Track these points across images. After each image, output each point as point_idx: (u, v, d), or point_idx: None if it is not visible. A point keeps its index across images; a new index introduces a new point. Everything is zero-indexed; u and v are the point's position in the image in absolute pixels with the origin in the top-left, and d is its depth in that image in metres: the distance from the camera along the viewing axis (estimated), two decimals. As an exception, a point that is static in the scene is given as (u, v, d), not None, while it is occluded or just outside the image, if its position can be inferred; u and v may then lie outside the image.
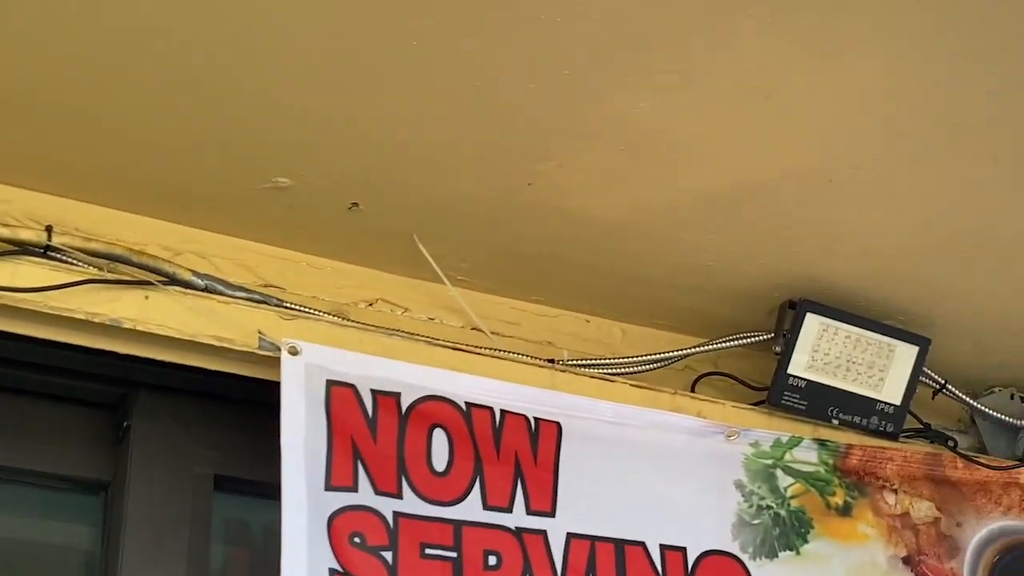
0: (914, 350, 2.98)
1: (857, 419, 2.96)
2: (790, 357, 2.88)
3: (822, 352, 2.91)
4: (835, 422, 2.93)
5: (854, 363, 2.95)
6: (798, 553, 2.73)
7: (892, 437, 2.97)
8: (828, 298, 2.88)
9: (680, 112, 2.33)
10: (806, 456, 2.83)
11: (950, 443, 3.00)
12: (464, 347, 2.63)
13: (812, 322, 2.88)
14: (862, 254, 2.77)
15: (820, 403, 2.92)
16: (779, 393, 2.88)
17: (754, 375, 2.97)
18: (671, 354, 2.85)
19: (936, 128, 2.41)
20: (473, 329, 2.76)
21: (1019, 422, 3.10)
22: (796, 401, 2.90)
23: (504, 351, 2.67)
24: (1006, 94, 2.31)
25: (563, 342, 2.87)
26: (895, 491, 2.89)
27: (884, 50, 2.22)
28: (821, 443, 2.85)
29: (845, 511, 2.82)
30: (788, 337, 2.87)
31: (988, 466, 2.95)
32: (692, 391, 2.88)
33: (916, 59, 2.24)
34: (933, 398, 3.11)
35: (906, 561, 2.84)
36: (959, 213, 2.62)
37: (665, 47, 2.19)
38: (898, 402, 3.00)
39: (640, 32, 2.16)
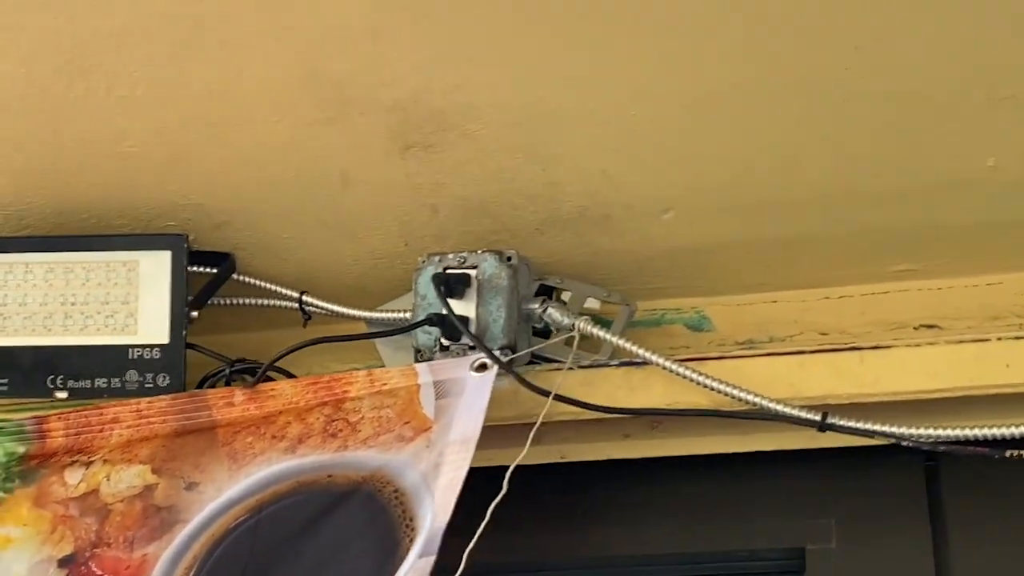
0: (165, 257, 1.97)
1: (103, 383, 1.93)
2: (-44, 323, 2.00)
3: (14, 304, 1.97)
4: (63, 395, 1.93)
5: (77, 304, 1.97)
6: None
7: (176, 391, 1.91)
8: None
9: None
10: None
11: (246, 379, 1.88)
12: None
13: (-21, 264, 2.00)
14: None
15: (36, 374, 1.95)
16: (-47, 379, 1.99)
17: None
18: None
19: None
20: None
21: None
22: (-14, 382, 1.99)
23: None
24: None
25: None
26: (87, 464, 1.83)
27: None
28: (-7, 428, 1.90)
29: (-12, 513, 1.83)
30: (-54, 297, 2.00)
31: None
32: None
33: None
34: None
35: (65, 562, 1.75)
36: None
37: None
38: (166, 340, 1.95)
39: None
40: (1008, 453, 1.56)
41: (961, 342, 1.71)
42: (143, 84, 1.82)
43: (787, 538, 1.73)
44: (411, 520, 1.68)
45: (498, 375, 1.77)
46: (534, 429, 1.68)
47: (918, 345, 1.73)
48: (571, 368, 1.79)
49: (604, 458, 1.83)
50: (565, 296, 1.94)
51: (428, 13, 1.71)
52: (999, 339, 1.70)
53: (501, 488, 1.69)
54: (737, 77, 1.73)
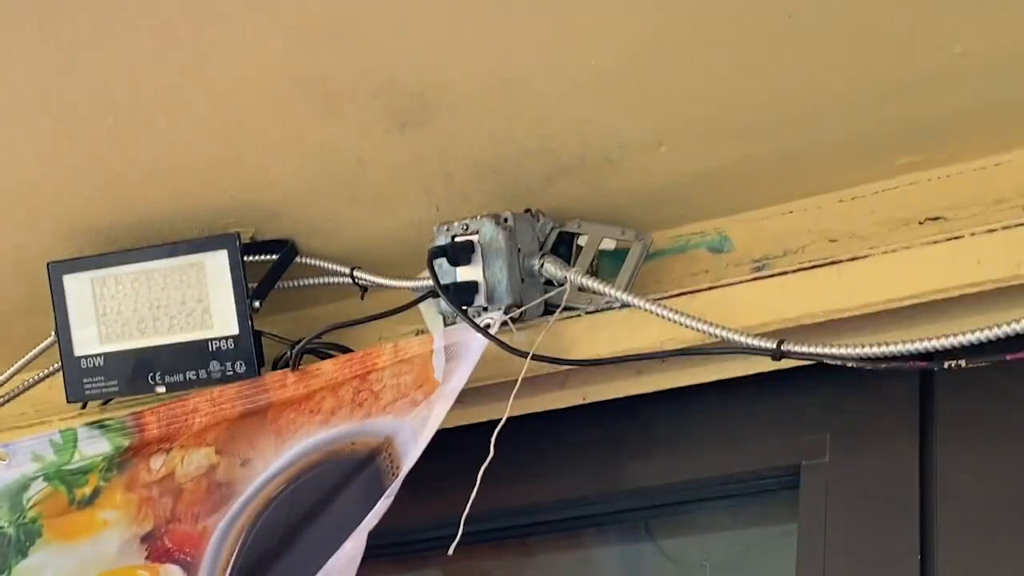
0: (223, 256, 2.12)
1: (192, 375, 2.14)
2: (70, 338, 2.22)
3: (113, 314, 2.20)
4: (161, 390, 2.16)
5: (162, 307, 2.17)
6: (9, 574, 2.03)
7: (250, 376, 2.08)
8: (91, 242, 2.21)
9: None
10: (97, 448, 2.12)
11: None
12: None
13: (76, 285, 2.21)
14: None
15: (139, 374, 2.18)
16: (78, 387, 2.20)
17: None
18: None
19: None
20: None
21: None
22: (105, 386, 2.20)
23: None
24: None
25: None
26: (168, 451, 2.02)
27: None
28: (102, 426, 2.12)
29: (89, 501, 2.05)
30: (58, 317, 2.22)
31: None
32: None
33: None
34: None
35: (146, 538, 1.97)
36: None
37: None
38: (235, 331, 2.12)
39: None
40: (947, 364, 1.53)
41: (935, 243, 1.67)
42: (159, 113, 2.01)
43: (784, 456, 1.76)
44: (397, 469, 1.83)
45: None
46: (516, 387, 1.77)
47: (893, 251, 1.69)
48: (579, 315, 1.87)
49: (621, 395, 1.90)
50: (582, 240, 2.01)
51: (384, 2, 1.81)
52: (972, 234, 1.65)
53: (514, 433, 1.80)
54: (693, 7, 1.74)
